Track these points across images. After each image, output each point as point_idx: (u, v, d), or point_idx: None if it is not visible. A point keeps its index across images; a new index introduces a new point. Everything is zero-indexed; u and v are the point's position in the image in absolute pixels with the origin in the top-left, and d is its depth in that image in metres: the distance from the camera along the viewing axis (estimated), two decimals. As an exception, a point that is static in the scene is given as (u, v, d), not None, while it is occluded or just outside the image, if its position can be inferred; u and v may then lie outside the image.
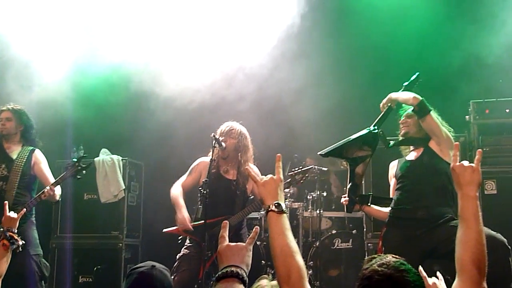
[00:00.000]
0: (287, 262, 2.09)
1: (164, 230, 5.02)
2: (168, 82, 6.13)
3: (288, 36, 6.04)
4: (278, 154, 2.40)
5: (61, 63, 6.36)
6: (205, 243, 4.47)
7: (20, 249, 3.27)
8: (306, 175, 5.07)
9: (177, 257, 4.87)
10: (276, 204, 2.23)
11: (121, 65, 6.33)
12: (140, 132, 6.97)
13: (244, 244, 2.21)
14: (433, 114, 4.24)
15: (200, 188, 4.51)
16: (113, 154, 6.88)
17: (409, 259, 1.98)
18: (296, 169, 5.11)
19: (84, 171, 4.92)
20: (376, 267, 1.87)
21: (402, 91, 4.51)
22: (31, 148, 5.22)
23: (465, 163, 2.30)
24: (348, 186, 4.42)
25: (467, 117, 5.72)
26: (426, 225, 4.14)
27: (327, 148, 4.35)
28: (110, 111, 6.86)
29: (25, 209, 3.76)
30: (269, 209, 2.23)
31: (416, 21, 6.11)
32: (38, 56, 6.22)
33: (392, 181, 4.60)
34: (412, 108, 4.30)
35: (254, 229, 2.28)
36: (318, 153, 4.44)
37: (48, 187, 4.80)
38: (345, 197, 4.52)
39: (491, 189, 5.36)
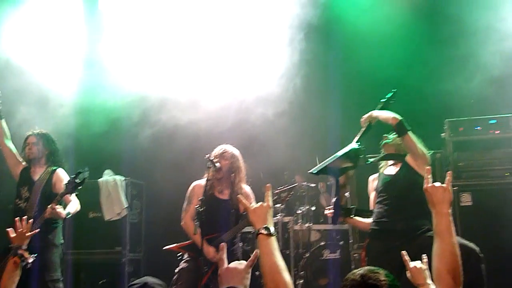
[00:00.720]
0: (275, 278, 2.24)
1: (165, 247, 5.11)
2: (170, 109, 6.26)
3: (280, 63, 6.26)
4: (268, 184, 2.56)
5: (67, 87, 6.47)
6: (202, 257, 4.59)
7: (29, 266, 3.34)
8: (292, 192, 5.20)
9: (176, 270, 4.97)
10: (265, 228, 2.38)
11: (125, 91, 6.45)
12: (141, 154, 7.13)
13: (243, 266, 2.36)
14: (411, 133, 4.38)
15: (197, 206, 4.64)
16: (116, 174, 7.01)
17: (391, 268, 2.16)
18: (282, 187, 5.24)
19: (79, 187, 4.85)
20: (354, 271, 2.05)
21: (380, 107, 4.64)
22: (54, 168, 5.27)
23: (437, 184, 2.44)
24: (334, 200, 4.56)
25: (442, 134, 5.89)
26: (405, 236, 4.25)
27: (317, 166, 4.50)
28: (113, 135, 6.99)
29: (38, 229, 3.82)
30: (259, 232, 2.38)
31: (396, 47, 6.32)
32: (44, 80, 6.33)
33: (372, 194, 4.74)
34: (393, 132, 4.49)
35: (254, 253, 2.39)
36: (309, 171, 4.56)
37: (49, 206, 4.75)
38: (329, 209, 4.65)
39: (466, 201, 5.53)
